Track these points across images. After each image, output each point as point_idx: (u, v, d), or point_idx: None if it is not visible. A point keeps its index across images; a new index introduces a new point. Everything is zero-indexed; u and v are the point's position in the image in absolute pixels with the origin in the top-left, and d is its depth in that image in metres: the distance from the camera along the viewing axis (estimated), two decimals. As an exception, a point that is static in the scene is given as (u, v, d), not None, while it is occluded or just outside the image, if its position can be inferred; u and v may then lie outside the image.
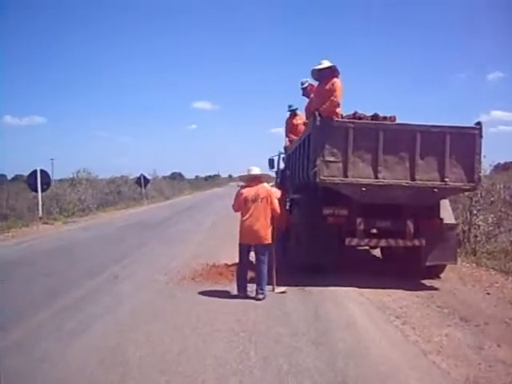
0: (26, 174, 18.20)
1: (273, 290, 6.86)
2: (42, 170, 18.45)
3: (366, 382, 4.00)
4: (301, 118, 10.22)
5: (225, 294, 6.73)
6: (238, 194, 6.81)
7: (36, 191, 18.25)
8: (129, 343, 4.78)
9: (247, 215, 6.62)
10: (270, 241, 6.69)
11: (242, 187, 6.90)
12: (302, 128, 9.38)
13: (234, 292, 6.76)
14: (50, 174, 20.43)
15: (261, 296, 6.49)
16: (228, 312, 5.89)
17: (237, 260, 8.40)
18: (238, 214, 6.85)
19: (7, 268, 8.85)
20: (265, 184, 6.95)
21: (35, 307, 6.10)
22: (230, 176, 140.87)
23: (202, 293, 6.80)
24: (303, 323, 5.53)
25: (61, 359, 4.40)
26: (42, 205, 18.50)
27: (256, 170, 6.93)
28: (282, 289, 6.90)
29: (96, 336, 5.02)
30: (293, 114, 10.85)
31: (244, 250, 6.78)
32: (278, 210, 6.93)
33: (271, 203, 6.70)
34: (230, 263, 8.56)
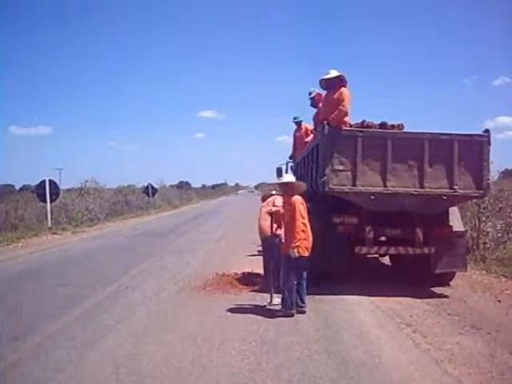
0: (34, 183, 18.43)
1: (270, 302, 6.62)
2: (50, 180, 18.71)
3: (379, 391, 4.01)
4: (306, 128, 10.55)
5: (236, 304, 6.72)
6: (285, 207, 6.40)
7: (45, 201, 18.50)
8: (142, 353, 4.81)
9: (307, 228, 6.26)
10: None
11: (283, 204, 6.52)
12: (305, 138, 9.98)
13: (243, 301, 6.81)
14: (58, 183, 20.68)
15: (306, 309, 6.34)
16: (239, 321, 5.90)
17: (246, 269, 8.52)
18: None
19: (19, 278, 8.91)
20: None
21: (48, 317, 6.14)
22: (237, 184, 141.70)
23: (213, 302, 6.82)
24: (314, 332, 5.54)
25: (75, 369, 4.44)
26: (51, 215, 18.68)
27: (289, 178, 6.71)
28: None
29: (109, 346, 5.05)
30: (298, 125, 11.08)
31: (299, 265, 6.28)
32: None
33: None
34: (239, 272, 8.62)
